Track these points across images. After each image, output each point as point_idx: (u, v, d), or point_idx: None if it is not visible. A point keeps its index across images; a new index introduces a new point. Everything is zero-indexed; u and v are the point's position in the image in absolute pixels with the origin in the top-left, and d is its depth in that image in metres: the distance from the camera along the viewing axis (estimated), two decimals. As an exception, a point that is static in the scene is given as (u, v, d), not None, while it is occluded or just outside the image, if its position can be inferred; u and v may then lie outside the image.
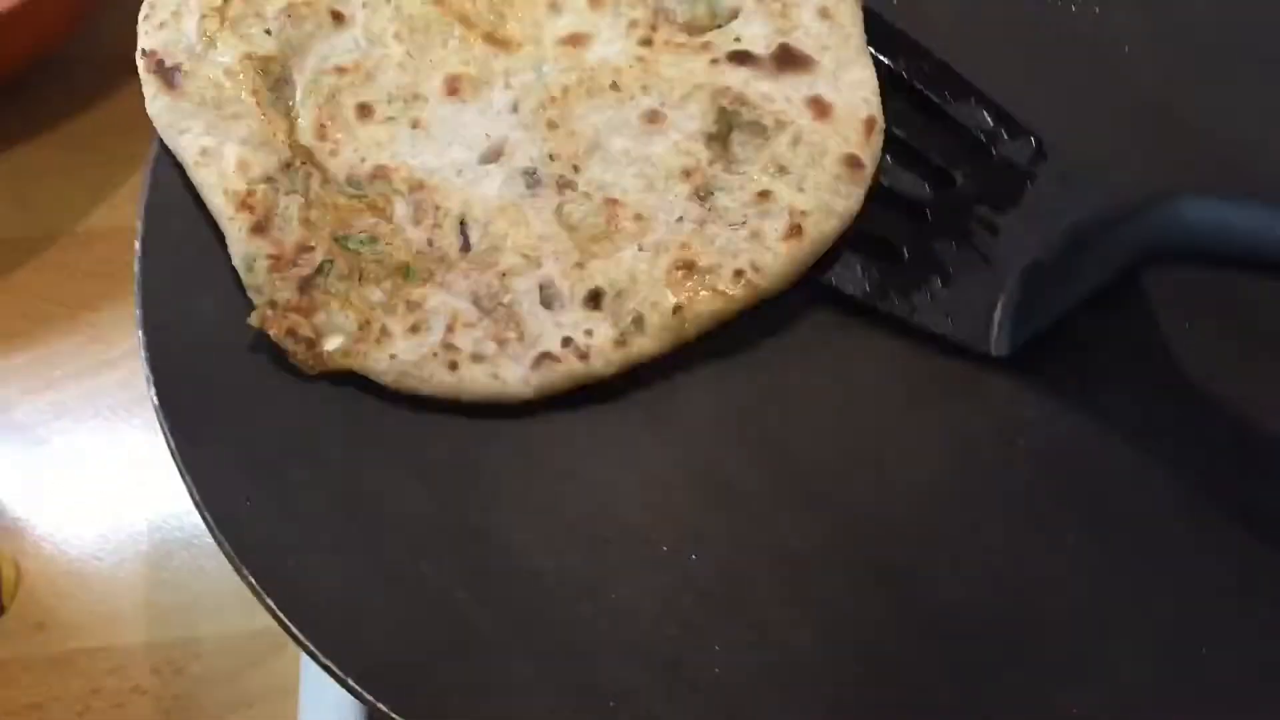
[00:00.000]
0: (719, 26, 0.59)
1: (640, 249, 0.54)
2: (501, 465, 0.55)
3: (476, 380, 0.54)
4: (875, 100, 0.57)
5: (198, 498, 0.52)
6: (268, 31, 0.59)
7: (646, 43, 0.58)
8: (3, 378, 0.72)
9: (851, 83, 0.57)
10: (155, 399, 0.54)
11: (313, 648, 0.49)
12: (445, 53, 0.59)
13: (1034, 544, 0.52)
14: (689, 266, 0.54)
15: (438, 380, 0.54)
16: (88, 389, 0.71)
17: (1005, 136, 0.58)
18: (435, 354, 0.53)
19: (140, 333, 0.56)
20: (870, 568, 0.52)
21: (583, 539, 0.53)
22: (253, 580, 0.50)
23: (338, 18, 0.59)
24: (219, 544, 0.51)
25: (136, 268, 0.58)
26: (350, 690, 0.48)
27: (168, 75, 0.58)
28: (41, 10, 0.72)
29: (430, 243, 0.55)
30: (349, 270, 0.55)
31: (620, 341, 0.53)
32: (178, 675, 0.63)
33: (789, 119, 0.56)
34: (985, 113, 0.58)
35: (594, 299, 0.54)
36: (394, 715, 0.48)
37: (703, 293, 0.54)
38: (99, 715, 0.62)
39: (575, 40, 0.59)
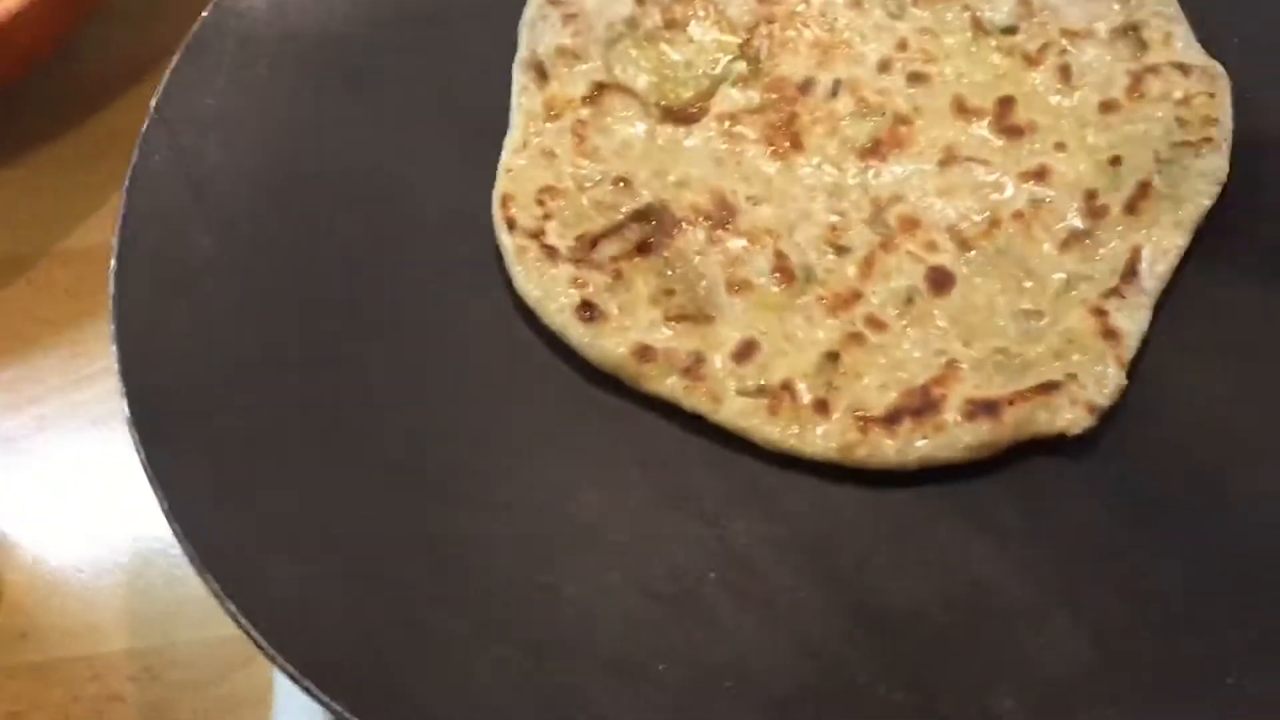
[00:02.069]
0: None
1: None
2: (459, 466, 0.57)
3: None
4: None
5: (166, 506, 0.54)
6: None
7: None
8: (-13, 392, 0.72)
9: None
10: (127, 411, 0.56)
11: (272, 650, 0.50)
12: None
13: (978, 546, 0.54)
14: None
15: None
16: (69, 403, 0.72)
17: None
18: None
19: (114, 347, 0.57)
20: (818, 569, 0.53)
21: (538, 539, 0.55)
22: (216, 586, 0.52)
23: None
24: (185, 551, 0.53)
25: (111, 284, 0.59)
26: (310, 693, 0.50)
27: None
28: (17, 32, 0.74)
29: None
30: None
31: None
32: (155, 682, 0.64)
33: None
34: None
35: None
36: (352, 718, 0.49)
37: None
38: (78, 723, 0.65)
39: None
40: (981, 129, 0.64)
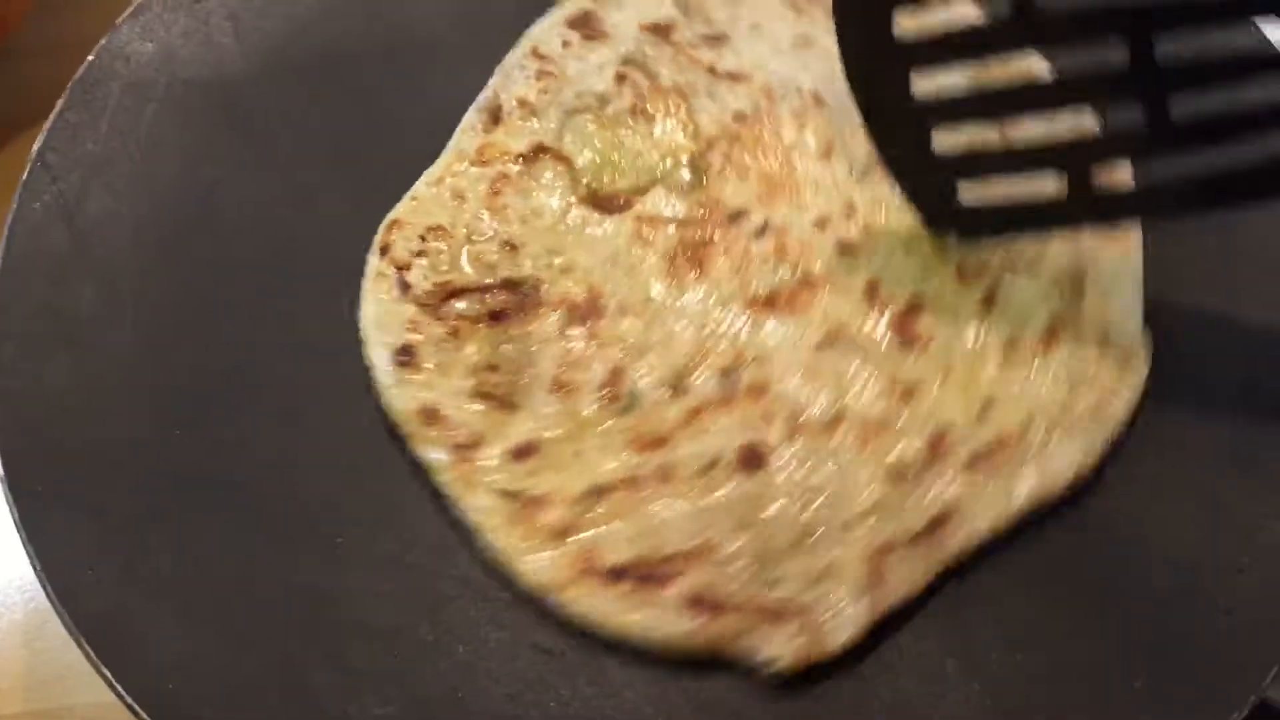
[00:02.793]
0: None
1: None
2: (343, 523, 0.56)
3: None
4: None
5: (39, 569, 0.52)
6: None
7: None
8: None
9: None
10: (1, 470, 0.54)
11: (146, 717, 0.49)
12: None
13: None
14: None
15: None
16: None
17: None
18: None
19: None
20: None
21: (422, 593, 0.55)
22: (90, 651, 0.50)
23: None
24: (59, 616, 0.51)
25: None
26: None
27: None
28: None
29: None
30: None
31: None
32: None
33: None
34: None
35: None
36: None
37: None
38: (-26, 790, 0.62)
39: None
40: (880, 323, 0.60)
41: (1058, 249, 0.61)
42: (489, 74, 0.68)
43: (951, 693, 0.53)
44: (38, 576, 0.52)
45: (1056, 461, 0.56)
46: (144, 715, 0.49)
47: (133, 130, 0.65)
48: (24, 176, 0.61)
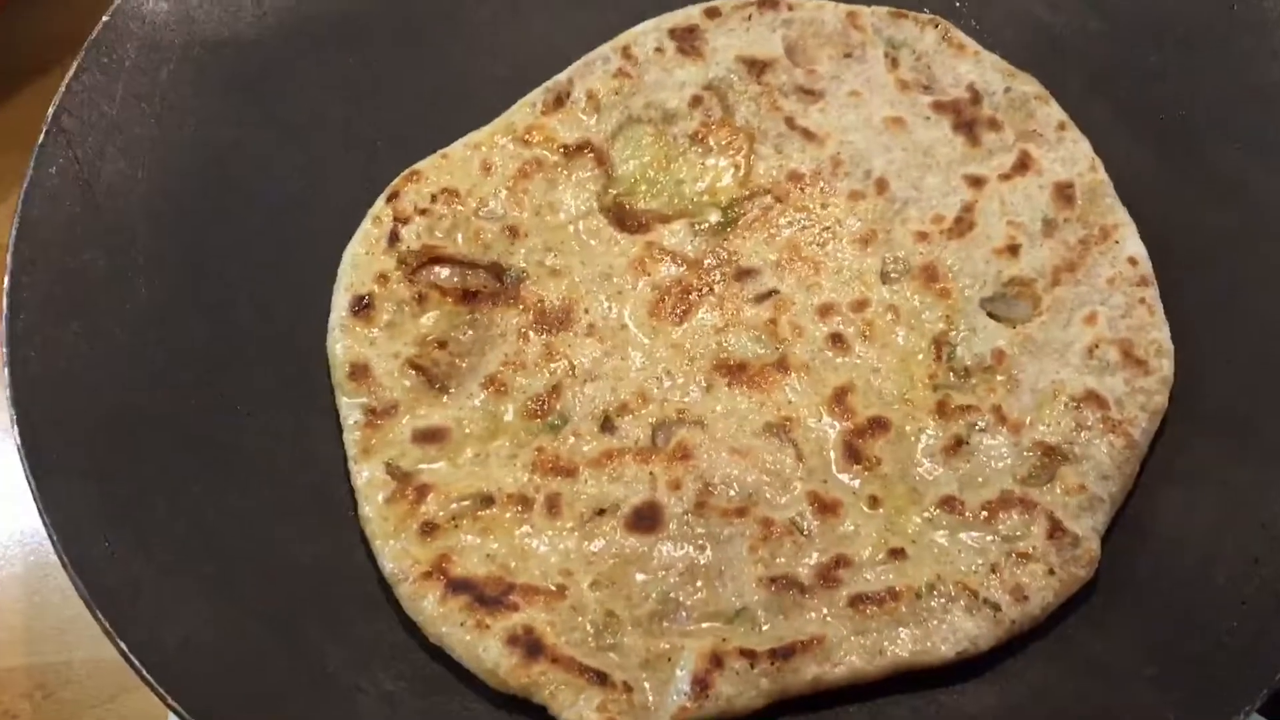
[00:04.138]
0: None
1: None
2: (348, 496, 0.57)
3: None
4: None
5: (56, 540, 0.52)
6: None
7: None
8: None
9: None
10: (17, 438, 0.54)
11: (161, 690, 0.50)
12: None
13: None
14: None
15: None
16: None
17: None
18: None
19: (6, 370, 0.55)
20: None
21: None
22: (105, 624, 0.51)
23: None
24: (75, 587, 0.52)
25: (4, 304, 0.56)
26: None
27: None
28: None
29: None
30: None
31: None
32: (48, 699, 0.64)
33: None
34: None
35: None
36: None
37: None
38: (-34, 740, 0.62)
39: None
40: (834, 429, 0.57)
41: (1056, 414, 0.57)
42: (506, 53, 0.67)
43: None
44: (54, 547, 0.52)
45: (941, 637, 0.53)
46: (158, 687, 0.50)
47: (149, 93, 0.63)
48: (40, 140, 0.60)
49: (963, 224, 0.62)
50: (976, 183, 0.63)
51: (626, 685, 0.52)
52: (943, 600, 0.53)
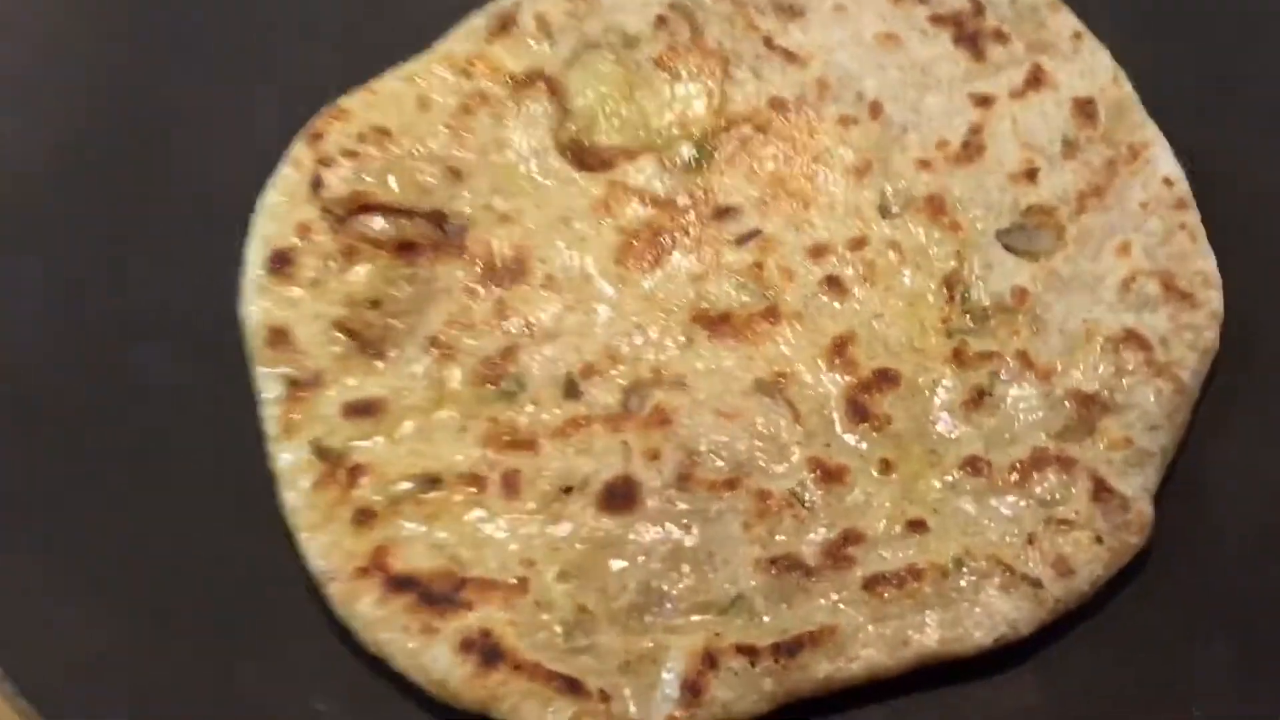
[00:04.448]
0: None
1: None
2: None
3: None
4: None
5: None
6: None
7: None
8: None
9: None
10: None
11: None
12: None
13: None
14: None
15: None
16: None
17: None
18: None
19: None
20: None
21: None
22: None
23: None
24: None
25: None
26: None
27: None
28: None
29: None
30: None
31: None
32: None
33: None
34: None
35: None
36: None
37: None
38: None
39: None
40: (836, 384, 0.50)
41: (1092, 358, 0.50)
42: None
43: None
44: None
45: (975, 621, 0.45)
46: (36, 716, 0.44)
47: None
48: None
49: (971, 149, 0.55)
50: (984, 102, 0.55)
51: (604, 693, 0.44)
52: (973, 578, 0.46)
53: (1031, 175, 0.54)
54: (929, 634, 0.45)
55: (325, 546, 0.47)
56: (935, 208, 0.53)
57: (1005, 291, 0.52)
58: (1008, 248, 0.53)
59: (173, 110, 0.57)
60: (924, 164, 0.54)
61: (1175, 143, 0.54)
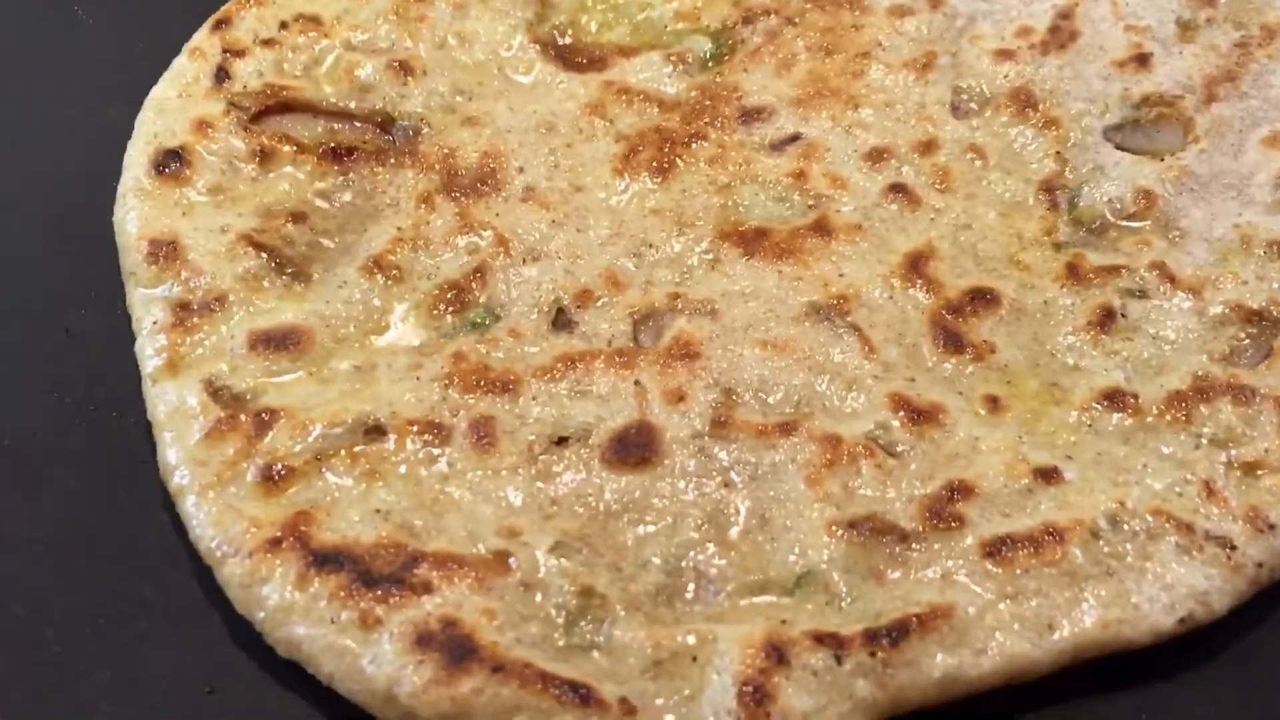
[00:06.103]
0: None
1: None
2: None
3: None
4: None
5: None
6: None
7: None
8: None
9: None
10: None
11: None
12: None
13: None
14: None
15: None
16: None
17: None
18: None
19: None
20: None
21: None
22: None
23: None
24: None
25: None
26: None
27: None
28: None
29: None
30: None
31: None
32: None
33: None
34: None
35: None
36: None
37: None
38: None
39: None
40: (915, 303, 0.38)
41: (1251, 267, 0.39)
42: None
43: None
44: None
45: (1147, 596, 0.33)
46: None
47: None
48: None
49: (1061, 34, 0.44)
50: (1072, -18, 0.45)
51: (626, 703, 0.31)
52: (1139, 539, 0.33)
53: (1143, 60, 0.43)
54: (1085, 614, 0.32)
55: (218, 514, 0.34)
56: (1023, 102, 0.43)
57: (1126, 196, 0.41)
58: (1119, 147, 0.42)
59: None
60: (1003, 54, 0.44)
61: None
